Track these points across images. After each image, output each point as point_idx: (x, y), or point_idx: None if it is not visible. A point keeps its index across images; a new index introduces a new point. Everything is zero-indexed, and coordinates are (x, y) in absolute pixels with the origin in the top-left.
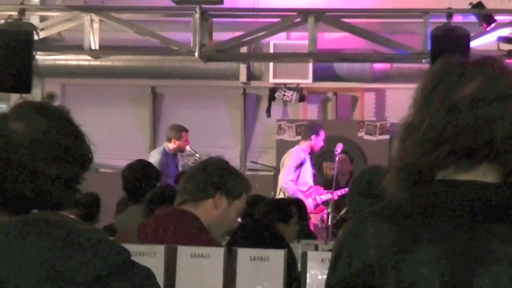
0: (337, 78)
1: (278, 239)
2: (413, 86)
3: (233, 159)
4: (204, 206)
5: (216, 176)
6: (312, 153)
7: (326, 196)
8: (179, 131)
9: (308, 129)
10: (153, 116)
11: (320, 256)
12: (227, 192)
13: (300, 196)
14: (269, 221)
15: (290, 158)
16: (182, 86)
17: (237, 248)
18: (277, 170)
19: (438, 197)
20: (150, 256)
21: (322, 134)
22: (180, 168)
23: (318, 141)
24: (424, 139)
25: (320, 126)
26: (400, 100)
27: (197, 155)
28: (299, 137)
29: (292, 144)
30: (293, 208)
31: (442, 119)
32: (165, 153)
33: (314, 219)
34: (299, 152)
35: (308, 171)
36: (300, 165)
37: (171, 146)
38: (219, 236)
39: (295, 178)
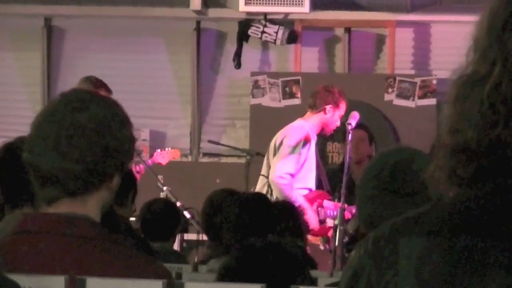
0: (351, 5)
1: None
2: (475, 18)
3: (180, 137)
4: (95, 198)
5: (114, 148)
6: (321, 134)
7: (333, 210)
8: (95, 83)
9: (322, 94)
10: (48, 64)
11: None
12: (123, 168)
13: (300, 201)
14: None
15: (291, 138)
16: (95, 16)
17: (183, 282)
18: (251, 154)
19: None
20: None
21: (342, 107)
22: None
23: (335, 117)
24: (494, 99)
25: (341, 92)
26: (454, 41)
27: None
28: (288, 101)
29: (277, 112)
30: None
31: None
32: None
33: (313, 237)
34: (305, 130)
35: (311, 164)
36: (304, 152)
37: None
38: None
39: (295, 172)
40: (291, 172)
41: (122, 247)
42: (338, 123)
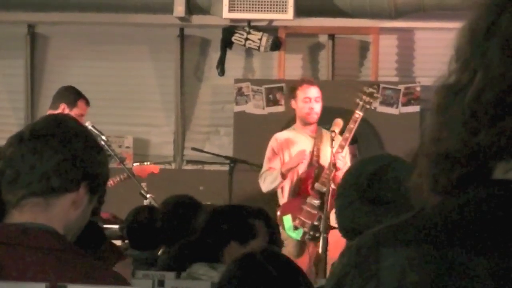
0: (335, 12)
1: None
2: (459, 25)
3: (164, 144)
4: (59, 205)
5: (84, 154)
6: (307, 124)
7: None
8: (76, 95)
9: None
10: (31, 71)
11: None
12: (93, 184)
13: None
14: (217, 238)
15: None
16: (79, 23)
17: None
18: (235, 162)
19: (495, 211)
20: None
21: (301, 94)
22: None
23: (299, 106)
24: (475, 108)
25: (299, 81)
26: (437, 48)
27: (103, 137)
28: (272, 108)
29: (261, 119)
30: (258, 223)
31: (505, 76)
32: None
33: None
34: (281, 135)
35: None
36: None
37: None
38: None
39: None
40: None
41: (81, 258)
42: (307, 108)
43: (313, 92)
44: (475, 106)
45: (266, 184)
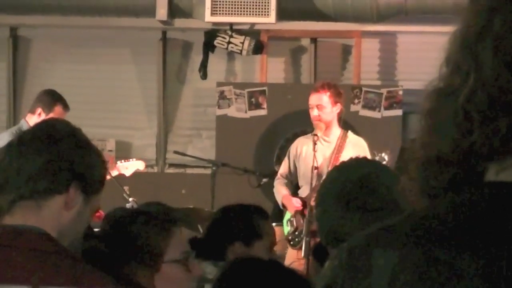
0: (318, 15)
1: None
2: (446, 29)
3: (146, 147)
4: (50, 207)
5: (71, 155)
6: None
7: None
8: (53, 99)
9: None
10: (13, 74)
11: None
12: (85, 184)
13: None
14: (222, 237)
15: None
16: (61, 26)
17: None
18: (217, 165)
19: (486, 212)
20: None
21: (310, 97)
22: None
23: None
24: (469, 109)
25: (314, 87)
26: (420, 52)
27: None
28: (254, 112)
29: (243, 123)
30: (264, 223)
31: (497, 79)
32: None
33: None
34: (299, 142)
35: (301, 163)
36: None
37: (33, 121)
38: (67, 245)
39: (284, 171)
40: (280, 172)
41: (71, 261)
42: (312, 112)
43: (314, 99)
44: (468, 107)
45: (275, 195)
